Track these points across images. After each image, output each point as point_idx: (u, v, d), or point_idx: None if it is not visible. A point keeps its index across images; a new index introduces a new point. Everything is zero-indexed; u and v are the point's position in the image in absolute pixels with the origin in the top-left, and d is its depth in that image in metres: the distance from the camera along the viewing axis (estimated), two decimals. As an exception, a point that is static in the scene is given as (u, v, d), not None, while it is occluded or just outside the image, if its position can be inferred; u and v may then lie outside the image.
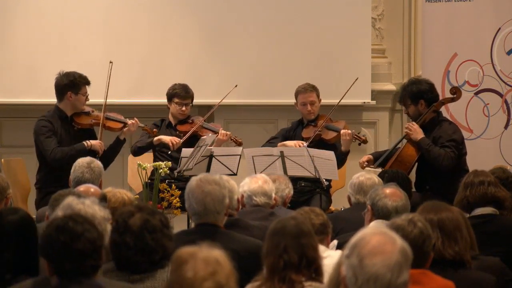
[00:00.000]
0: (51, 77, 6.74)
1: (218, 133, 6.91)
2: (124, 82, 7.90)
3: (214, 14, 8.13)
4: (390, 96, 8.31)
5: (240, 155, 6.49)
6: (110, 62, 6.89)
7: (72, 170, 5.48)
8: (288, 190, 5.31)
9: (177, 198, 6.04)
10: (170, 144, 6.82)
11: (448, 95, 7.10)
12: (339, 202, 6.95)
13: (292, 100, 7.20)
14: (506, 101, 7.67)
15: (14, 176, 6.80)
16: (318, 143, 6.87)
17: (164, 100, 7.15)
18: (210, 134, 6.71)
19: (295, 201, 5.90)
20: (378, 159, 6.74)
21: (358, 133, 6.92)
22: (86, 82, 6.65)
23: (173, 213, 6.06)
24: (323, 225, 4.08)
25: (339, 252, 3.90)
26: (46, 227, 3.15)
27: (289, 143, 6.88)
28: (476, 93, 7.73)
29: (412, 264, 2.53)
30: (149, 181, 6.30)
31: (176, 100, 7.02)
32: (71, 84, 6.60)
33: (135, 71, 8.07)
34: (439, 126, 6.65)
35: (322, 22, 8.10)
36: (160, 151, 6.93)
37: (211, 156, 6.41)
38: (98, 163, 5.52)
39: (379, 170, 6.29)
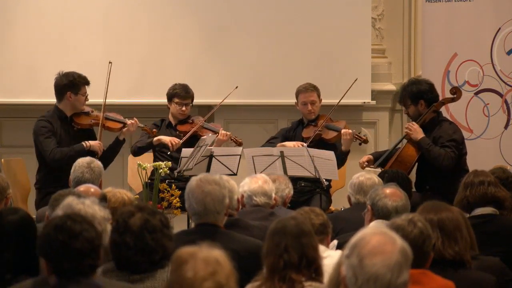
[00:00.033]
0: (51, 77, 6.74)
1: (218, 133, 6.91)
2: (124, 82, 7.90)
3: (214, 14, 8.13)
4: (390, 96, 8.31)
5: (240, 155, 6.49)
6: (109, 62, 6.89)
7: (72, 170, 5.48)
8: (288, 190, 5.31)
9: (177, 198, 6.04)
10: (170, 145, 6.82)
11: (448, 95, 7.10)
12: (339, 202, 6.95)
13: (292, 100, 7.20)
14: (506, 101, 7.67)
15: (14, 176, 6.80)
16: (318, 142, 6.88)
17: (164, 100, 7.15)
18: (210, 134, 6.71)
19: (295, 201, 5.90)
20: (378, 159, 6.74)
21: (359, 133, 6.93)
22: (86, 82, 6.64)
23: (173, 213, 6.06)
24: (323, 225, 4.08)
25: (339, 252, 3.90)
26: (44, 226, 3.15)
27: (288, 144, 6.88)
28: (476, 93, 7.73)
29: (412, 264, 2.53)
30: (149, 181, 6.30)
31: (176, 100, 7.02)
32: (70, 84, 6.60)
33: (135, 71, 8.07)
34: (439, 126, 6.65)
35: (322, 22, 8.10)
36: (160, 151, 6.93)
37: (211, 156, 6.41)
38: (98, 163, 5.51)
39: (379, 170, 6.29)
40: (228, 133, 6.98)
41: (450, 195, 5.24)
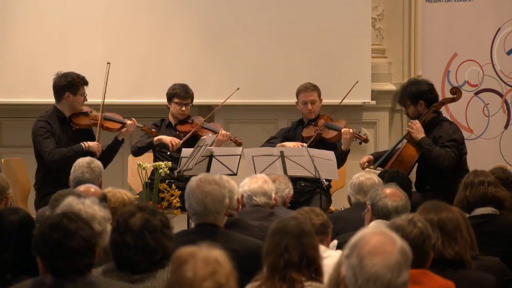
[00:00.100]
0: (51, 77, 6.73)
1: (218, 133, 6.91)
2: (123, 82, 7.90)
3: (214, 14, 8.13)
4: (390, 96, 8.31)
5: (240, 155, 6.49)
6: (108, 63, 6.88)
7: (72, 170, 5.48)
8: (288, 190, 5.31)
9: (177, 198, 6.04)
10: (170, 145, 6.82)
11: (448, 95, 7.10)
12: (339, 202, 6.95)
13: (292, 100, 7.20)
14: (506, 101, 7.67)
15: (14, 176, 6.80)
16: (318, 142, 6.88)
17: (164, 100, 7.15)
18: (210, 134, 6.71)
19: (295, 201, 5.91)
20: (378, 160, 6.74)
21: (359, 132, 6.93)
22: (84, 82, 6.64)
23: (173, 213, 6.06)
24: (323, 225, 4.08)
25: (339, 252, 3.90)
26: (40, 225, 3.14)
27: (288, 144, 6.88)
28: (476, 93, 7.73)
29: (412, 264, 2.53)
30: (149, 181, 6.30)
31: (176, 100, 7.02)
32: (69, 85, 6.60)
33: (134, 71, 8.07)
34: (439, 126, 6.65)
35: (322, 22, 8.10)
36: (160, 151, 6.93)
37: (211, 156, 6.41)
38: (98, 163, 5.51)
39: (380, 170, 6.29)
40: (228, 133, 6.98)
41: (450, 195, 5.24)
